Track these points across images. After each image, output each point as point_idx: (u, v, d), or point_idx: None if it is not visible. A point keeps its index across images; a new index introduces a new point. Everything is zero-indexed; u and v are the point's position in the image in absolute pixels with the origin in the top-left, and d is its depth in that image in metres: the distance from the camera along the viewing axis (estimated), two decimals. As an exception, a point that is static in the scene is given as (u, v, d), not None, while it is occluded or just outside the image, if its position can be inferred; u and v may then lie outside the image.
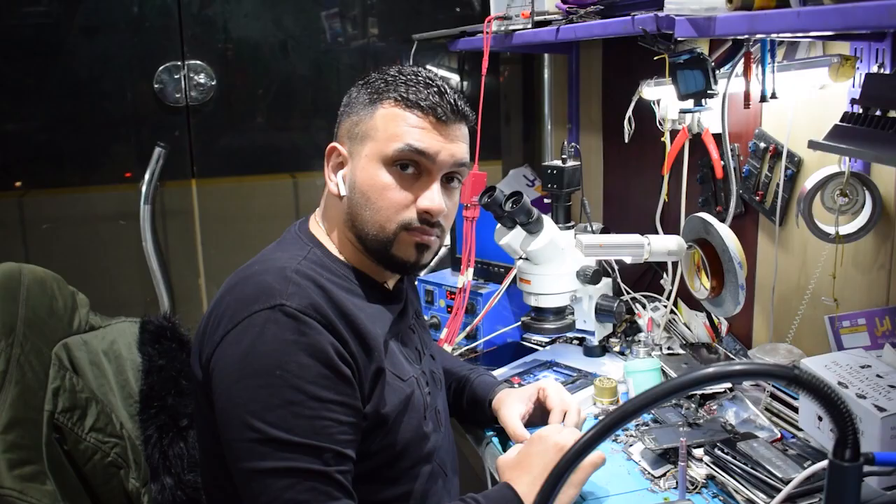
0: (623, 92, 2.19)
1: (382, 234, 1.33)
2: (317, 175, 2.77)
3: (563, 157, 1.88)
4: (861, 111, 1.37)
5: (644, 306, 2.10)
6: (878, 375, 1.43)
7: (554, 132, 2.88)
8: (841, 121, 1.38)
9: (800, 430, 1.60)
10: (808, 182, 1.59)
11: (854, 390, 1.39)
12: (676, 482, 1.49)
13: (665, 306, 2.06)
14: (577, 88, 2.66)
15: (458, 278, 2.16)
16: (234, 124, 2.68)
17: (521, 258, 1.83)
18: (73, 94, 2.48)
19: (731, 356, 1.90)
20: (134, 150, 2.58)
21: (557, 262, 1.82)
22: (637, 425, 1.70)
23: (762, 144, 1.83)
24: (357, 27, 2.78)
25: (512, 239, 1.82)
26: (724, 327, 2.00)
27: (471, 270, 2.05)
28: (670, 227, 2.19)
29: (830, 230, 1.58)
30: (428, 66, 1.39)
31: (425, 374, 1.47)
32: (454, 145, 1.35)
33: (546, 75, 2.85)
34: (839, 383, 1.42)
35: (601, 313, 1.96)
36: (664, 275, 2.21)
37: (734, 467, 1.44)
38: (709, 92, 1.60)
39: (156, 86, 2.53)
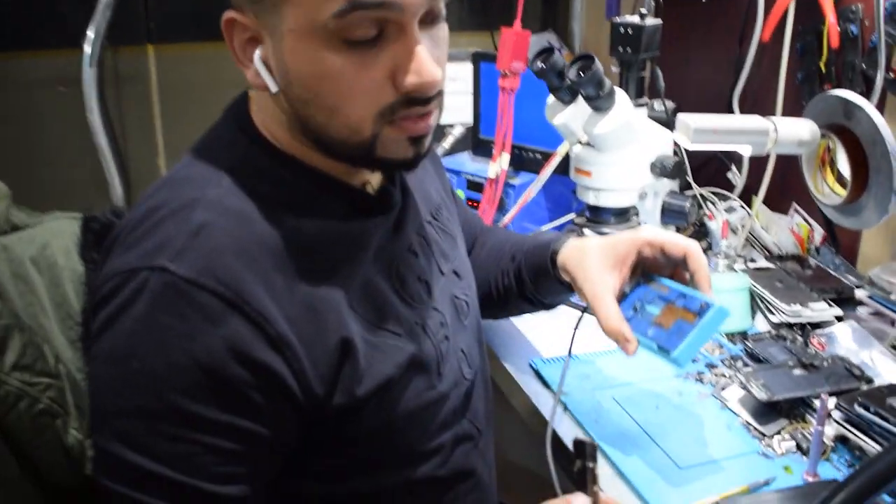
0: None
1: (356, 138, 0.86)
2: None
3: (642, 11, 1.45)
4: None
5: (715, 206, 1.71)
6: None
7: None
8: None
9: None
10: None
11: None
12: (796, 444, 1.14)
13: (743, 207, 1.67)
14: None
15: (485, 165, 1.74)
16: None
17: (580, 143, 1.42)
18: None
19: (832, 273, 1.53)
20: (79, 8, 2.11)
21: (628, 149, 1.42)
22: (732, 361, 1.34)
23: (904, 4, 1.41)
24: None
25: (572, 117, 1.40)
26: (816, 236, 1.62)
27: (506, 156, 1.63)
28: (755, 110, 1.77)
29: None
30: None
31: (439, 312, 1.03)
32: None
33: None
34: None
35: (669, 214, 1.56)
36: (732, 166, 1.82)
37: (884, 432, 1.08)
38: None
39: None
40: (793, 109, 1.58)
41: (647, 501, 1.03)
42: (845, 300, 1.44)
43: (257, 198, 0.87)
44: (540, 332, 1.43)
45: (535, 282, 1.21)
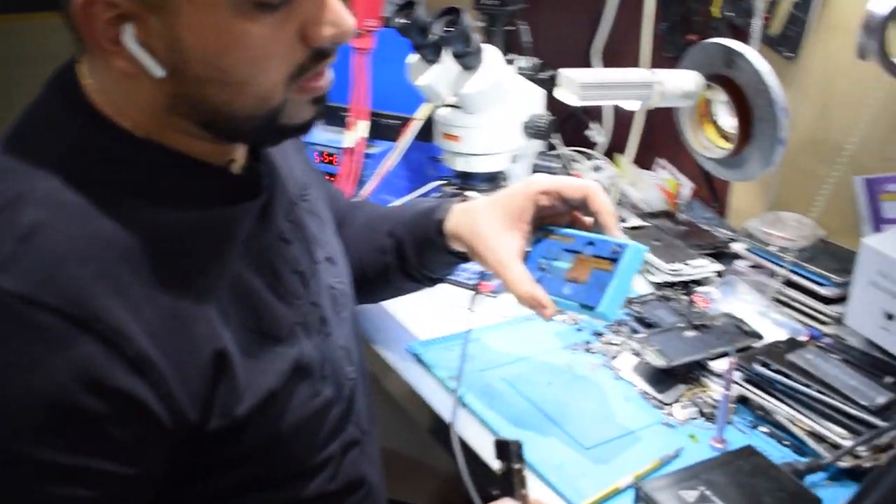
0: None
1: (264, 108, 0.74)
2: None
3: (504, -40, 1.35)
4: None
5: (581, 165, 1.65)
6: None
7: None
8: None
9: (825, 323, 1.24)
10: (874, 4, 1.12)
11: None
12: (699, 410, 1.09)
13: (609, 165, 1.62)
14: None
15: (338, 135, 1.60)
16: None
17: (446, 105, 1.32)
18: None
19: (704, 228, 1.50)
20: None
21: (499, 109, 1.32)
22: (619, 327, 1.28)
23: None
24: None
25: (438, 78, 1.29)
26: (684, 191, 1.59)
27: (365, 124, 1.50)
28: (616, 64, 1.72)
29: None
30: None
31: (318, 306, 0.90)
32: None
33: None
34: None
35: (540, 177, 1.48)
36: (590, 123, 1.76)
37: (787, 390, 1.05)
38: None
39: None
40: (657, 63, 1.53)
41: (558, 491, 0.95)
42: (722, 254, 1.42)
43: (100, 188, 0.70)
44: (413, 313, 1.31)
45: (421, 256, 1.09)
